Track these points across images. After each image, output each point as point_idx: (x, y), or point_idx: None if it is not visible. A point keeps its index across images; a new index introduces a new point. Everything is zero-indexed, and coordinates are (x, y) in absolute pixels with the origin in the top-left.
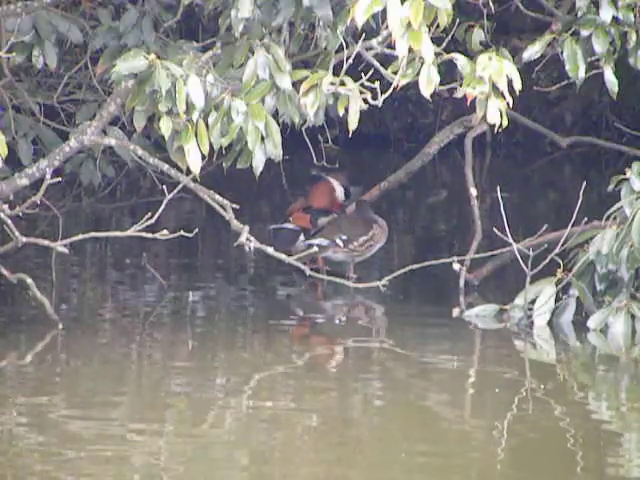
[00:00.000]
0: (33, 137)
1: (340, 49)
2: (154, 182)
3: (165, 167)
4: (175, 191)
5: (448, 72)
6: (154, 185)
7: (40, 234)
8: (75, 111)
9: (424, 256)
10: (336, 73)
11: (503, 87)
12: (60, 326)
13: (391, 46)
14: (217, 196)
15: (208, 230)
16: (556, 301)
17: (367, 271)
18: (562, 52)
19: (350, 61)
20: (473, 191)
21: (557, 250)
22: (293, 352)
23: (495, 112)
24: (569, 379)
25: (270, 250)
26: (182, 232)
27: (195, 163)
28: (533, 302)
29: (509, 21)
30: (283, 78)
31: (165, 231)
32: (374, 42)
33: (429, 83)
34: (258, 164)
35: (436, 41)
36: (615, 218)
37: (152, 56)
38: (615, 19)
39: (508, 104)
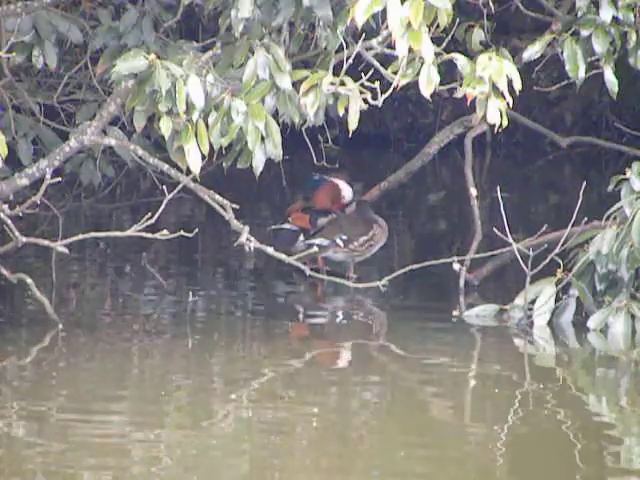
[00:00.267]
0: (33, 137)
1: (340, 49)
2: (154, 182)
3: (165, 167)
4: (175, 191)
5: (448, 72)
6: (154, 185)
7: (40, 234)
8: (75, 111)
9: (424, 256)
10: (336, 73)
11: (503, 87)
12: (60, 326)
13: (391, 46)
14: (217, 196)
15: (208, 230)
16: (556, 301)
17: (367, 271)
18: (562, 52)
19: (350, 61)
20: (473, 191)
21: (557, 250)
22: (293, 352)
23: (495, 112)
24: (569, 379)
25: (270, 250)
26: (182, 232)
27: (195, 163)
28: (533, 302)
29: (509, 21)
30: (283, 78)
31: (165, 231)
32: (374, 42)
33: (429, 83)
34: (258, 164)
35: (436, 41)
36: (615, 218)
37: (152, 56)
38: (615, 19)
39: (508, 104)
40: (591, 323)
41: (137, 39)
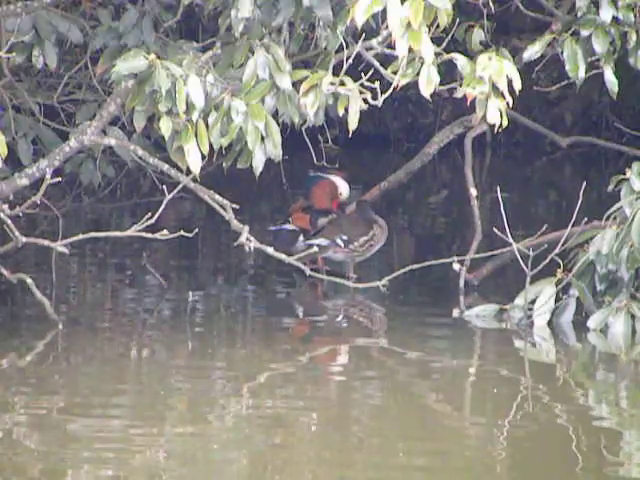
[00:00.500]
0: (33, 137)
1: (340, 49)
2: (154, 182)
3: (165, 167)
4: (175, 191)
5: (448, 72)
6: (154, 185)
7: (40, 234)
8: (75, 111)
9: (424, 256)
10: (336, 73)
11: (503, 87)
12: (60, 326)
13: (391, 46)
14: (217, 196)
15: (208, 230)
16: (556, 301)
17: (367, 271)
18: (562, 52)
19: (350, 61)
20: (473, 191)
21: (557, 250)
22: (293, 352)
23: (495, 112)
24: (569, 379)
25: (270, 250)
26: (182, 232)
27: (195, 163)
28: (533, 302)
29: (509, 21)
30: (283, 78)
31: (165, 231)
32: (374, 42)
33: (429, 83)
34: (258, 164)
35: (436, 41)
36: (615, 218)
37: (152, 56)
38: (615, 19)
39: (508, 104)
40: (591, 323)
41: (137, 39)
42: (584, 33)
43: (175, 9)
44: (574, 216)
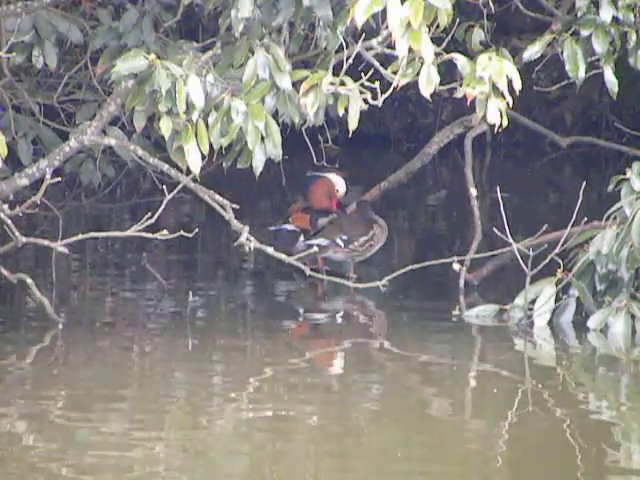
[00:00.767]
0: (33, 137)
1: (340, 49)
2: (154, 182)
3: (165, 167)
4: (175, 191)
5: (448, 72)
6: (154, 185)
7: (40, 234)
8: (75, 111)
9: (424, 256)
10: (336, 73)
11: (503, 87)
12: (60, 326)
13: (391, 46)
14: (217, 196)
15: (208, 230)
16: (556, 301)
17: (367, 271)
18: (562, 52)
19: (350, 61)
20: (473, 191)
21: (557, 250)
22: (293, 352)
23: (495, 112)
24: (569, 379)
25: (270, 250)
26: (182, 232)
27: (195, 163)
28: (533, 302)
29: (509, 21)
30: (283, 78)
31: (165, 231)
32: (374, 42)
33: (429, 83)
34: (258, 164)
35: (436, 41)
36: (615, 218)
37: (152, 56)
38: (615, 19)
39: (508, 104)
40: (591, 323)
41: (137, 39)
42: (584, 33)
43: (175, 9)
44: (574, 216)
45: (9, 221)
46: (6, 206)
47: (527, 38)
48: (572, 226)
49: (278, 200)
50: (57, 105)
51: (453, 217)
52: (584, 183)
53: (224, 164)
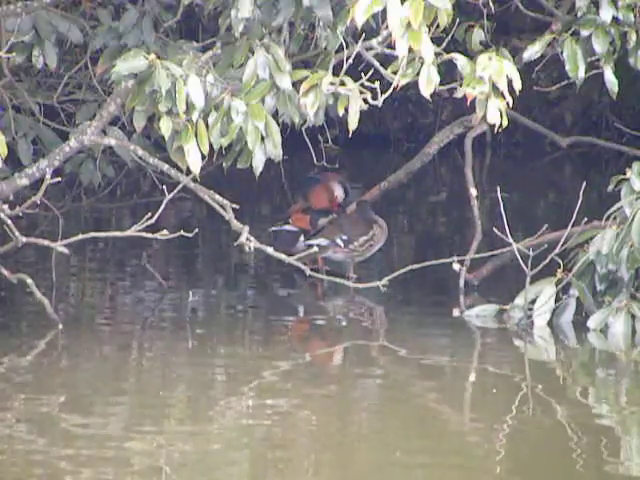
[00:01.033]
0: (33, 137)
1: (340, 49)
2: (154, 182)
3: (165, 167)
4: (175, 191)
5: (448, 72)
6: (154, 185)
7: (40, 234)
8: (75, 111)
9: (424, 256)
10: (336, 73)
11: (503, 87)
12: (60, 326)
13: (391, 46)
14: (217, 196)
15: (208, 230)
16: (556, 301)
17: (367, 271)
18: (562, 52)
19: (350, 61)
20: (473, 191)
21: (557, 250)
22: (293, 352)
23: (495, 112)
24: (569, 379)
25: (270, 250)
26: (182, 232)
27: (195, 163)
28: (533, 302)
29: (509, 21)
30: (283, 78)
31: (165, 231)
32: (374, 42)
33: (429, 83)
34: (258, 164)
35: (436, 41)
36: (615, 218)
37: (152, 56)
38: (615, 19)
39: (508, 104)
40: (591, 323)
41: (137, 39)
42: (584, 33)
43: (175, 9)
44: (574, 216)
45: (9, 221)
46: (6, 206)
47: (527, 38)
48: (572, 226)
49: (278, 200)
50: (57, 105)
51: (453, 217)
52: (584, 183)
53: (224, 164)
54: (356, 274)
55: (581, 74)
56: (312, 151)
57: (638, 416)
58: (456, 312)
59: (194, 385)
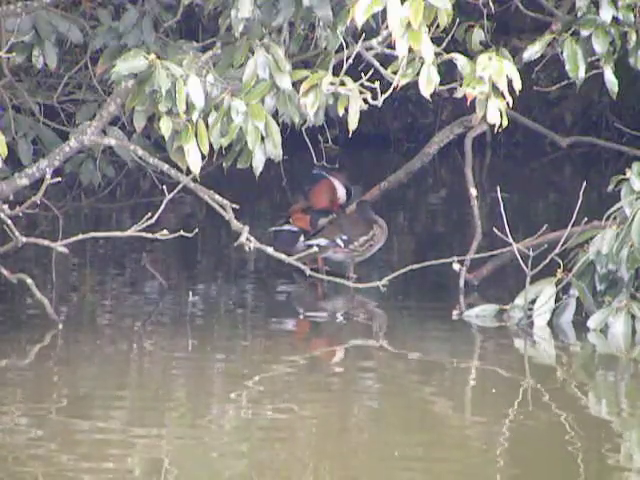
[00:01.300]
0: (33, 137)
1: (340, 49)
2: (154, 182)
3: (165, 167)
4: (175, 191)
5: (448, 72)
6: (154, 185)
7: (40, 234)
8: (75, 111)
9: (424, 256)
10: (336, 73)
11: (503, 87)
12: (60, 326)
13: (391, 46)
14: (217, 196)
15: (208, 230)
16: (556, 301)
17: (367, 271)
18: (562, 52)
19: (350, 61)
20: (473, 191)
21: (557, 250)
22: (293, 352)
23: (495, 112)
24: (569, 379)
25: (270, 250)
26: (182, 232)
27: (195, 163)
28: (533, 302)
29: (509, 21)
30: (283, 78)
31: (165, 231)
32: (374, 42)
33: (429, 83)
34: (258, 164)
35: (436, 41)
36: (615, 218)
37: (152, 56)
38: (615, 19)
39: (508, 104)
40: (591, 323)
41: (137, 39)
42: (584, 33)
43: (175, 9)
44: (574, 216)
45: (9, 221)
46: (6, 206)
47: (527, 38)
48: (572, 226)
49: (278, 200)
50: (57, 105)
51: (453, 217)
52: (584, 183)
53: (224, 164)
54: (356, 274)
55: (581, 74)
56: (312, 151)
57: (638, 416)
58: (456, 312)
59: (194, 385)
